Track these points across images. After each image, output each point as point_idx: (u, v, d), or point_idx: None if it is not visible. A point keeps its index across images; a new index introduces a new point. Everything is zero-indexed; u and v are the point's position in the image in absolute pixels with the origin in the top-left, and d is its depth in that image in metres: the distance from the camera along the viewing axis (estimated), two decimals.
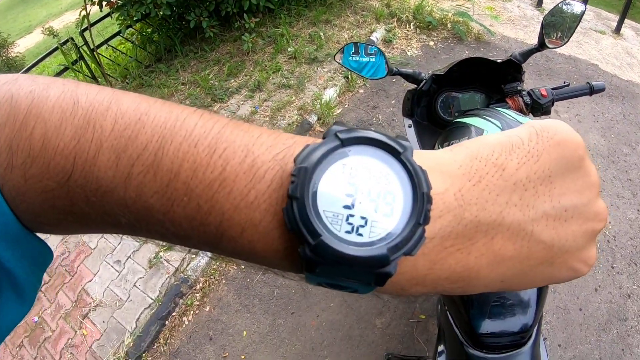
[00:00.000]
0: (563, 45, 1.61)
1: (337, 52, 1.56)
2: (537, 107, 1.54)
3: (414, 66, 3.96)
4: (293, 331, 2.39)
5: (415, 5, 4.45)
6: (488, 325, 1.25)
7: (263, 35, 4.08)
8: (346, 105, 3.49)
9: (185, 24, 3.95)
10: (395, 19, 4.33)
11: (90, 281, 2.67)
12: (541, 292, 1.30)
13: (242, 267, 2.62)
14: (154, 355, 2.38)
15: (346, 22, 4.26)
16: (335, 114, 3.37)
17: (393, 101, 3.56)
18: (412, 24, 4.36)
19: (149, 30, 4.34)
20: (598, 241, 3.05)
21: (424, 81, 1.61)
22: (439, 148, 1.21)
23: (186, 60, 4.05)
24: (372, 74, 1.59)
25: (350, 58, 1.57)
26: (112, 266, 2.70)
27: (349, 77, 3.59)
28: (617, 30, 5.92)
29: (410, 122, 1.70)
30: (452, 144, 1.16)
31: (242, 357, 2.31)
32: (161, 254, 2.65)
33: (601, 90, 1.60)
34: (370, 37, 4.05)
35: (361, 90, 3.64)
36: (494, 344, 1.27)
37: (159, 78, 3.89)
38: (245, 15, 3.89)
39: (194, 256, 2.61)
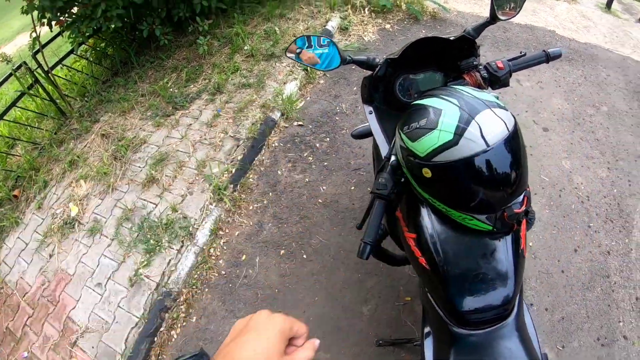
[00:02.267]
0: (516, 15, 1.59)
1: (288, 47, 1.50)
2: (495, 80, 1.51)
3: (372, 51, 3.89)
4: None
5: None
6: (469, 302, 1.22)
7: (218, 36, 3.96)
8: (308, 98, 3.41)
9: (138, 34, 3.82)
10: (349, 6, 4.25)
11: (74, 308, 2.58)
12: (518, 262, 1.25)
13: (223, 272, 2.57)
14: None
15: (300, 14, 4.15)
16: (298, 107, 3.30)
17: (355, 88, 3.49)
18: (366, 9, 4.29)
19: (103, 44, 4.18)
20: (572, 203, 3.06)
21: (378, 67, 1.56)
22: (399, 133, 1.16)
23: (143, 70, 3.92)
24: (326, 66, 1.53)
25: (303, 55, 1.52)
26: (93, 290, 2.62)
27: (308, 69, 3.52)
28: None
29: (371, 108, 1.66)
30: (412, 127, 1.12)
31: None
32: (141, 270, 2.57)
33: (558, 56, 1.58)
34: (326, 27, 3.95)
35: (322, 81, 3.56)
36: (478, 320, 1.24)
37: (117, 92, 3.75)
38: (197, 18, 3.76)
39: (174, 269, 2.54)
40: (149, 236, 2.68)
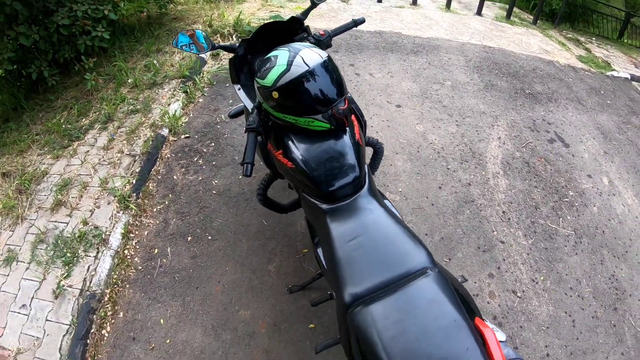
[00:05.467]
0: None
1: (173, 40, 2.03)
2: (320, 44, 2.11)
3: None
4: (203, 302, 2.62)
5: (234, 20, 4.88)
6: (329, 183, 1.72)
7: (102, 74, 4.18)
8: (191, 115, 3.79)
9: (25, 79, 3.95)
10: (218, 35, 4.73)
11: (1, 335, 2.53)
12: (358, 149, 1.81)
13: (140, 268, 2.83)
14: None
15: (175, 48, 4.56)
16: (183, 123, 3.68)
17: (230, 101, 3.94)
18: (234, 35, 4.80)
19: None
20: (429, 155, 3.71)
21: (237, 47, 2.16)
22: (256, 80, 1.78)
23: (34, 113, 4.00)
24: (197, 50, 2.05)
25: (181, 43, 2.03)
26: (19, 313, 2.61)
27: (188, 91, 3.92)
28: (414, 2, 6.91)
29: (239, 86, 2.24)
30: (262, 70, 1.72)
31: (167, 341, 2.46)
32: (62, 282, 2.66)
33: (362, 22, 2.29)
34: (200, 55, 4.40)
35: (201, 100, 3.96)
36: (340, 195, 1.73)
37: (11, 136, 3.82)
38: (82, 57, 3.99)
39: (94, 273, 2.70)
40: (65, 251, 2.79)
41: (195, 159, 3.40)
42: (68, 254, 2.81)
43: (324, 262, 1.84)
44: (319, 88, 1.66)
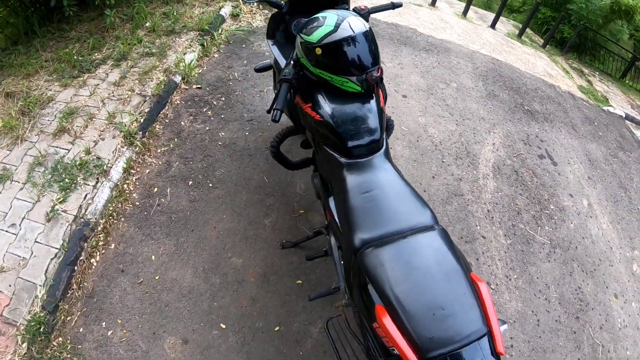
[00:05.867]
0: None
1: None
2: (361, 17, 2.23)
3: (259, 35, 4.40)
4: (197, 244, 2.66)
5: None
6: (352, 139, 1.82)
7: (120, 13, 4.14)
8: (205, 68, 3.78)
9: (41, 5, 3.87)
10: (242, 4, 4.71)
11: None
12: (380, 114, 1.91)
13: (137, 204, 2.84)
14: (70, 302, 2.36)
15: (196, 0, 4.54)
16: (196, 74, 3.68)
17: (245, 62, 3.95)
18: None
19: (5, 12, 4.13)
20: (427, 146, 3.80)
21: (282, 4, 2.28)
22: (299, 35, 1.88)
23: (45, 40, 3.93)
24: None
25: None
26: (7, 231, 2.56)
27: (205, 44, 3.91)
28: (433, 3, 7.00)
29: (273, 41, 2.37)
30: (309, 27, 1.83)
31: (156, 277, 2.49)
32: (57, 206, 2.64)
33: (399, 5, 2.40)
34: (220, 13, 4.40)
35: (216, 55, 3.96)
36: (360, 153, 1.84)
37: (18, 59, 3.74)
38: None
39: (90, 202, 2.69)
40: (63, 176, 2.77)
41: (205, 110, 3.41)
42: (66, 180, 2.79)
43: (334, 212, 1.93)
44: (358, 53, 1.79)
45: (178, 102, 3.43)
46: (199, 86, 3.57)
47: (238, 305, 2.45)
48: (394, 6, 2.37)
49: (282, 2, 2.30)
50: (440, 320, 1.37)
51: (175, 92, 3.47)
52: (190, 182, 2.94)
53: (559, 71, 7.17)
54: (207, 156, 3.09)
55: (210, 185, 2.95)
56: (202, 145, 3.16)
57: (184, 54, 3.75)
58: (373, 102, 1.90)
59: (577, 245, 3.71)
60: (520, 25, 8.09)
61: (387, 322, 1.39)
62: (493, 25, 7.42)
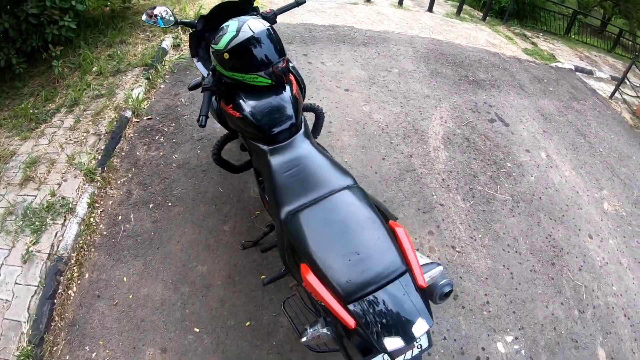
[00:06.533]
0: None
1: (143, 14, 2.36)
2: (267, 20, 2.40)
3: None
4: (163, 260, 2.85)
5: (195, 14, 5.12)
6: (271, 126, 2.04)
7: (68, 62, 4.34)
8: (153, 99, 4.00)
9: None
10: (179, 27, 4.95)
11: None
12: (295, 101, 2.15)
13: (105, 233, 3.03)
14: (54, 332, 2.49)
15: (138, 39, 4.75)
16: (145, 106, 3.90)
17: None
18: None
19: None
20: (374, 131, 3.99)
21: (196, 23, 2.49)
22: (211, 46, 2.15)
23: (1, 100, 4.14)
24: (163, 24, 2.39)
25: (151, 19, 2.36)
26: None
27: (150, 77, 4.13)
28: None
29: (197, 58, 2.58)
30: (216, 37, 2.09)
31: (130, 297, 2.66)
32: (31, 248, 2.82)
33: (303, 2, 2.63)
34: (161, 46, 4.63)
35: (162, 85, 4.18)
36: (280, 138, 2.06)
37: None
38: (50, 46, 4.16)
39: (61, 238, 2.87)
40: (34, 220, 2.95)
41: (157, 137, 3.62)
42: (37, 223, 2.97)
43: (267, 199, 2.12)
44: (262, 50, 2.02)
45: (131, 134, 3.64)
46: (150, 117, 3.79)
47: (208, 308, 2.64)
48: (297, 4, 2.62)
49: (195, 21, 2.50)
50: (356, 265, 1.52)
51: (127, 127, 3.68)
52: (151, 205, 3.15)
53: (501, 39, 7.43)
54: (164, 179, 3.30)
55: (170, 204, 3.15)
56: (158, 169, 3.37)
57: (132, 90, 3.97)
58: (285, 92, 2.13)
59: (541, 196, 3.90)
60: (457, 4, 8.36)
61: (311, 277, 1.54)
62: (430, 9, 7.68)
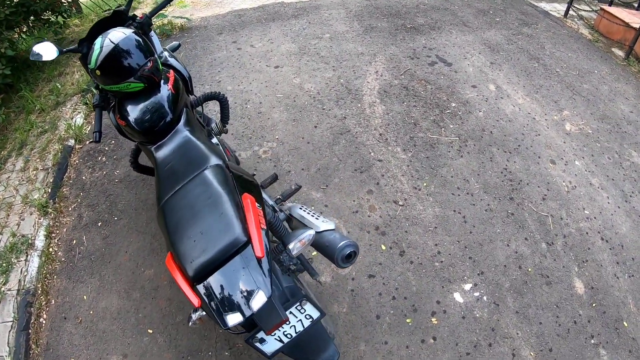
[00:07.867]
0: None
1: (30, 56, 2.35)
2: (142, 27, 2.47)
3: None
4: (115, 272, 3.00)
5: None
6: (150, 128, 2.09)
7: (12, 107, 4.50)
8: (92, 122, 4.13)
9: None
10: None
11: None
12: (171, 96, 2.20)
13: (63, 259, 3.22)
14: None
15: (75, 67, 4.86)
16: (86, 130, 4.04)
17: None
18: None
19: None
20: (305, 101, 4.01)
21: (79, 48, 2.47)
22: (89, 70, 2.17)
23: None
24: (48, 58, 2.36)
25: (35, 56, 2.34)
26: None
27: (87, 102, 4.26)
28: None
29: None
30: (88, 57, 2.08)
31: (91, 312, 2.83)
32: (2, 288, 3.01)
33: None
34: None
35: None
36: (160, 135, 2.11)
37: None
38: None
39: (26, 273, 3.07)
40: (1, 262, 3.17)
41: (100, 158, 3.77)
42: (4, 265, 3.17)
43: None
44: (127, 57, 2.04)
45: (77, 161, 3.80)
46: (91, 140, 3.93)
47: (158, 308, 2.79)
48: (168, 0, 2.68)
49: (77, 46, 2.50)
50: (199, 244, 1.56)
51: (72, 155, 3.84)
52: (100, 223, 3.31)
53: None
54: (109, 196, 3.46)
55: (116, 218, 3.31)
56: (103, 188, 3.52)
57: (72, 118, 4.11)
58: (159, 90, 2.18)
59: (492, 130, 3.83)
60: None
61: (169, 265, 1.61)
62: None
